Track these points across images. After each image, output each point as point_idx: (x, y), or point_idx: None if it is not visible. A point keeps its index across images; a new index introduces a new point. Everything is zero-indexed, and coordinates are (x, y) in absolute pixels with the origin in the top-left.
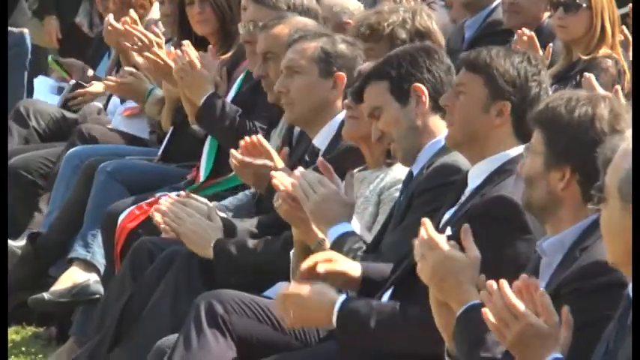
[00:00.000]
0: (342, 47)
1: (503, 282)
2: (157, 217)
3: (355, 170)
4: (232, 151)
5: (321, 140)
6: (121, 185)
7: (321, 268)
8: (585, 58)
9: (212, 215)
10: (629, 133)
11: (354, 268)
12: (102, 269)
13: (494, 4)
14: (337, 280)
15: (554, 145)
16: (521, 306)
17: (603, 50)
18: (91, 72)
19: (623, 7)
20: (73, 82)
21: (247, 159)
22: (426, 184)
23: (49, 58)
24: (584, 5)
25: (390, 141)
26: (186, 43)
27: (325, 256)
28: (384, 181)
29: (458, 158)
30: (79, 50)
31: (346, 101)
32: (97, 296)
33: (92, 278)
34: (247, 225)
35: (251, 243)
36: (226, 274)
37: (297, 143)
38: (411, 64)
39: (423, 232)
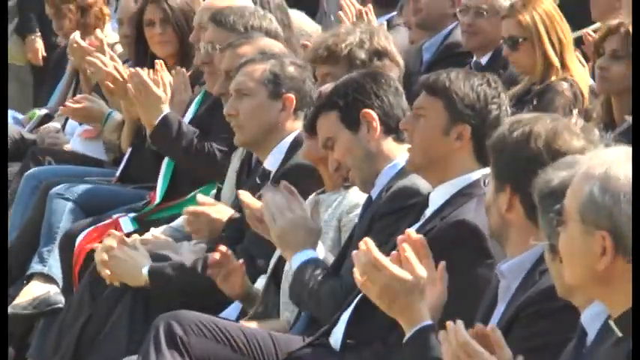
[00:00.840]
0: (290, 69)
1: (459, 323)
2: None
3: (313, 193)
4: (186, 209)
5: (271, 162)
6: (75, 205)
7: None
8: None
9: (136, 245)
10: (587, 157)
11: None
12: (60, 282)
13: (452, 25)
14: None
15: (497, 168)
16: (476, 346)
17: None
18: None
19: (578, 30)
20: (44, 111)
21: (201, 209)
22: (385, 207)
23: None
24: (522, 40)
25: (347, 169)
26: (159, 62)
27: None
28: (343, 205)
29: (416, 181)
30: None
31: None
32: (59, 305)
33: (52, 290)
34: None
35: (188, 262)
36: (164, 297)
37: (255, 165)
38: (357, 91)
39: (365, 253)
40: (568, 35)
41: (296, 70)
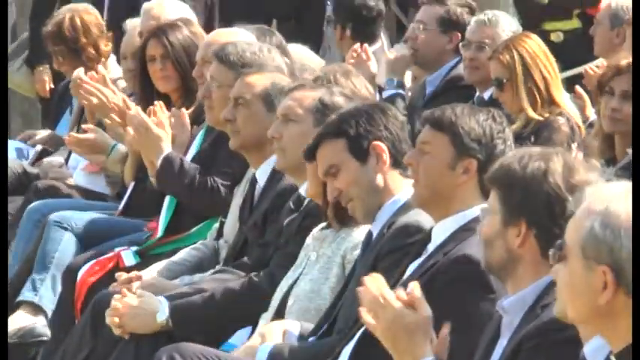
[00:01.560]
0: (339, 100)
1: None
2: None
3: (316, 228)
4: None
5: (306, 190)
6: (72, 235)
7: None
8: (536, 118)
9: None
10: (589, 191)
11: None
12: (49, 313)
13: (455, 60)
14: None
15: (509, 202)
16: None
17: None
18: None
19: (578, 65)
20: (38, 147)
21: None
22: (389, 245)
23: None
24: (505, 80)
25: (348, 200)
26: (158, 104)
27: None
28: (347, 242)
29: (418, 217)
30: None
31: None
32: (44, 338)
33: (39, 322)
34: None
35: (206, 297)
36: (189, 335)
37: (259, 199)
38: (368, 121)
39: (372, 289)
40: (553, 72)
41: (344, 102)
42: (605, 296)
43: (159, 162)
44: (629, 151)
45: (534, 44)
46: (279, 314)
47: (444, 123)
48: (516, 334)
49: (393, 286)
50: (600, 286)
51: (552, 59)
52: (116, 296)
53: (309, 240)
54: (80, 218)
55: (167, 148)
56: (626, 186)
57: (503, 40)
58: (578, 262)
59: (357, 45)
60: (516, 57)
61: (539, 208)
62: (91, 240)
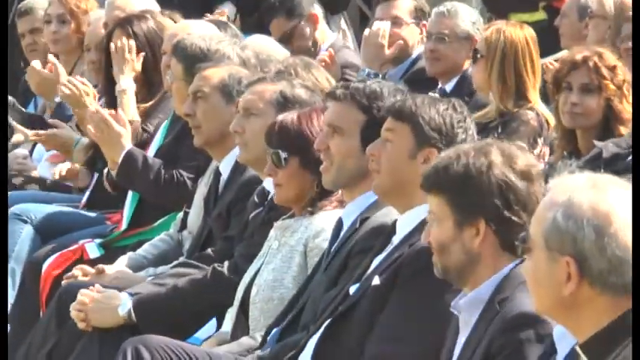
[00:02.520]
0: (300, 92)
1: None
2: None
3: (280, 219)
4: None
5: (270, 184)
6: (32, 228)
7: None
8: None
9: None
10: (552, 183)
11: None
12: (9, 308)
13: (417, 53)
14: None
15: (460, 204)
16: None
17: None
18: None
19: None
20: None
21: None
22: (363, 244)
23: None
24: (480, 56)
25: (330, 162)
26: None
27: None
28: (309, 230)
29: (393, 215)
30: None
31: (267, 169)
32: None
33: None
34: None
35: (169, 288)
36: (153, 327)
37: (223, 191)
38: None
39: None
40: (532, 69)
41: (305, 94)
42: (569, 287)
43: (120, 158)
44: (599, 143)
45: (523, 35)
46: (244, 305)
47: (405, 113)
48: (474, 332)
49: (357, 280)
50: (564, 278)
51: (536, 57)
52: (82, 290)
53: (272, 232)
54: (41, 211)
55: (128, 144)
56: (588, 177)
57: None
58: (542, 253)
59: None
60: (501, 39)
61: (494, 203)
62: (51, 233)
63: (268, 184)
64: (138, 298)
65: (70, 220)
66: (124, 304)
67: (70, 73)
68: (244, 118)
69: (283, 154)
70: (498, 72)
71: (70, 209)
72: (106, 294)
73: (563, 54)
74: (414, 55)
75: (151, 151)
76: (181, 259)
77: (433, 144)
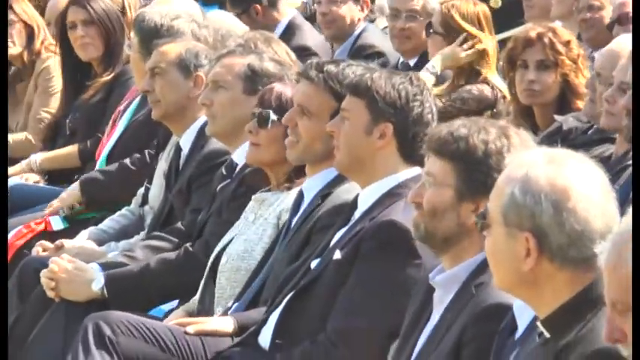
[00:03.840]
0: (268, 65)
1: None
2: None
3: (258, 192)
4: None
5: (239, 156)
6: None
7: (190, 329)
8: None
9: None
10: (509, 158)
11: (225, 325)
12: None
13: (359, 30)
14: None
15: (470, 178)
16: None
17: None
18: None
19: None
20: None
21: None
22: (325, 221)
23: None
24: (437, 32)
25: (298, 138)
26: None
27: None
28: (284, 204)
29: (354, 191)
30: None
31: (249, 124)
32: None
33: None
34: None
35: (141, 267)
36: (124, 305)
37: (184, 166)
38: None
39: None
40: (485, 44)
41: (275, 67)
42: (528, 263)
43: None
44: (559, 117)
45: (475, 12)
46: (213, 272)
47: (360, 88)
48: (449, 310)
49: (319, 255)
50: (523, 253)
51: (488, 36)
52: (54, 259)
53: (250, 203)
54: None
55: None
56: (545, 152)
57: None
58: (501, 229)
59: None
60: (455, 15)
61: None
62: (13, 206)
63: (237, 156)
64: (110, 275)
65: (32, 194)
66: (98, 280)
67: None
68: (212, 90)
69: (273, 116)
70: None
71: (32, 184)
72: (78, 265)
73: (516, 30)
74: (356, 32)
75: (119, 127)
76: (142, 233)
77: (388, 119)
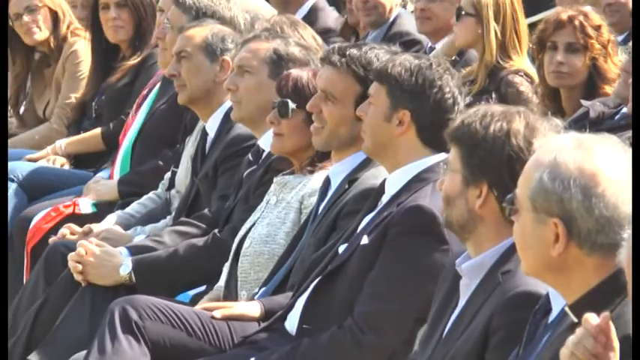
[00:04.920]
0: (295, 50)
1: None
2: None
3: (280, 174)
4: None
5: (266, 141)
6: (18, 187)
7: (217, 314)
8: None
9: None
10: (537, 142)
11: (252, 309)
12: None
13: (393, 15)
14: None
15: (470, 162)
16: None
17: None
18: None
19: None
20: None
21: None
22: (352, 206)
23: None
24: (469, 13)
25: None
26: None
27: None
28: (306, 188)
29: (380, 177)
30: None
31: (270, 116)
32: None
33: None
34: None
35: (170, 252)
36: (151, 290)
37: (210, 151)
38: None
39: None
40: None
41: (300, 52)
42: (556, 249)
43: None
44: (586, 102)
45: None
46: (236, 257)
47: (382, 74)
48: (474, 297)
49: (346, 240)
50: (552, 239)
51: (521, 16)
52: (82, 242)
53: (272, 186)
54: (26, 169)
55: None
56: (574, 137)
57: None
58: (529, 215)
59: None
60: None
61: (500, 170)
62: (37, 191)
63: (263, 142)
64: (138, 260)
65: (57, 177)
66: (126, 265)
67: None
68: (238, 75)
69: (292, 105)
70: (488, 29)
71: (59, 167)
72: (106, 250)
73: (547, 14)
74: (391, 18)
75: (141, 113)
76: (169, 218)
77: (405, 106)
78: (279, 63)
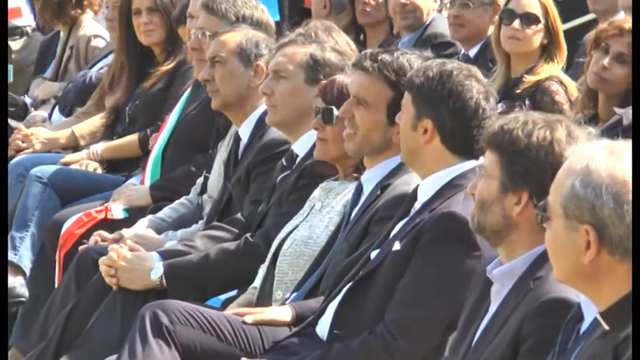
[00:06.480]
0: (330, 56)
1: None
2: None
3: (325, 181)
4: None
5: (300, 146)
6: (51, 190)
7: (248, 319)
8: (530, 78)
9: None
10: (570, 150)
11: (283, 314)
12: (28, 272)
13: (429, 19)
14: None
15: (511, 169)
16: None
17: (544, 68)
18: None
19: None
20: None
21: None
22: (383, 213)
23: None
24: (542, 21)
25: (354, 131)
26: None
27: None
28: (351, 194)
29: (412, 183)
30: None
31: (314, 121)
32: (22, 299)
33: (18, 282)
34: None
35: (201, 256)
36: (182, 294)
37: (243, 156)
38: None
39: None
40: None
41: (336, 57)
42: (588, 256)
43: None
44: (619, 110)
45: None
46: (275, 257)
47: (409, 83)
48: (505, 303)
49: (379, 246)
50: (583, 246)
51: (561, 25)
52: (113, 246)
53: (316, 191)
54: (60, 171)
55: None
56: (606, 144)
57: None
58: (561, 221)
59: None
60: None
61: (543, 179)
62: (70, 194)
63: (297, 147)
64: (169, 264)
65: (90, 182)
66: (157, 269)
67: None
68: (274, 80)
69: (337, 112)
70: (556, 38)
71: (90, 171)
72: (138, 254)
73: (586, 19)
74: (427, 21)
75: (172, 119)
76: (201, 222)
77: (427, 114)
78: (315, 68)
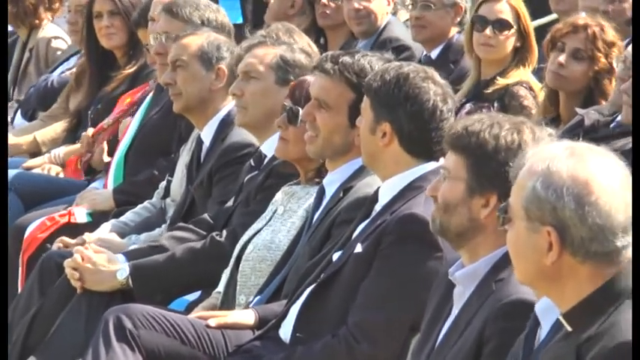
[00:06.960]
0: (300, 57)
1: None
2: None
3: (287, 184)
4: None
5: (268, 147)
6: (13, 193)
7: (212, 322)
8: (502, 81)
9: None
10: (530, 152)
11: (246, 318)
12: None
13: (383, 23)
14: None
15: (479, 172)
16: None
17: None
18: None
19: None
20: None
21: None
22: (346, 215)
23: None
24: (514, 26)
25: (315, 134)
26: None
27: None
28: (313, 198)
29: (374, 185)
30: None
31: (279, 119)
32: None
33: None
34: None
35: (167, 256)
36: (149, 294)
37: (205, 159)
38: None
39: None
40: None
41: (305, 59)
42: (550, 257)
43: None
44: (580, 110)
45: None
46: (238, 262)
47: (366, 87)
48: (468, 305)
49: (340, 249)
50: (545, 247)
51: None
52: (78, 248)
53: (278, 195)
54: (23, 177)
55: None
56: (567, 145)
57: None
58: (523, 223)
59: None
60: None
61: (512, 182)
62: (33, 198)
63: (265, 148)
64: (135, 264)
65: (52, 185)
66: (123, 270)
67: None
68: (244, 81)
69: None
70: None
71: (54, 176)
72: (103, 256)
73: (548, 19)
74: (382, 25)
75: (134, 123)
76: (164, 226)
77: (385, 118)
78: (285, 69)
